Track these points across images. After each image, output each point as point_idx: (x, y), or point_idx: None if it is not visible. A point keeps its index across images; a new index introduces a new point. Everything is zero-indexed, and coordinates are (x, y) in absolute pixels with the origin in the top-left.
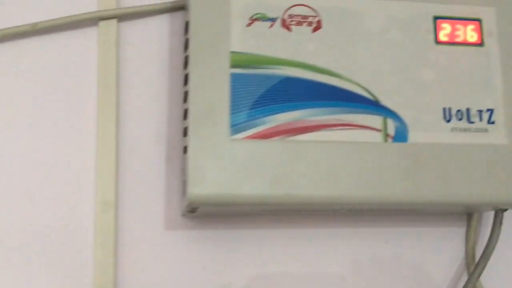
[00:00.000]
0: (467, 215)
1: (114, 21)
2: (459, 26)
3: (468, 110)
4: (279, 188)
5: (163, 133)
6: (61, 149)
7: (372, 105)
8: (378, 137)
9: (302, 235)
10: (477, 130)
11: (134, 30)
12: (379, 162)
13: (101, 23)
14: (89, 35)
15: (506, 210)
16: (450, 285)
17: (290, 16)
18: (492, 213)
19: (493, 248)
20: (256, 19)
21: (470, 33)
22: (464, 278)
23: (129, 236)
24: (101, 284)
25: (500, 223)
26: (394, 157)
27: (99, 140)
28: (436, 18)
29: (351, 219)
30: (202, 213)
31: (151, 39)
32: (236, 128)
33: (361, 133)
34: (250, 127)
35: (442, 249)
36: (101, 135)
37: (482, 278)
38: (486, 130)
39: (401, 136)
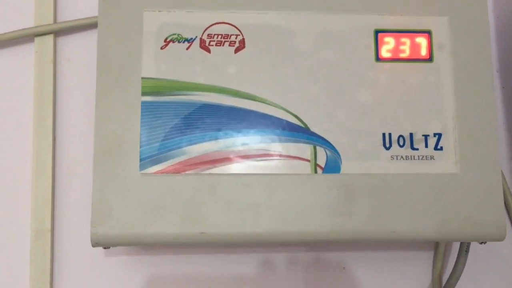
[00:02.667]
0: None
1: (50, 37)
2: (404, 39)
3: (411, 135)
4: (192, 227)
5: None
6: None
7: (300, 133)
8: (306, 168)
9: (252, 259)
10: (422, 158)
11: (73, 45)
12: (307, 196)
13: (37, 39)
14: (26, 52)
15: None
16: None
17: (210, 36)
18: None
19: (458, 277)
20: (171, 41)
21: (417, 47)
22: None
23: (66, 264)
24: None
25: (466, 251)
26: (324, 190)
27: (35, 164)
28: (377, 31)
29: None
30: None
31: (91, 54)
32: (146, 161)
33: (288, 164)
34: (161, 161)
35: (408, 275)
36: (36, 160)
37: None
38: (432, 158)
39: (332, 166)
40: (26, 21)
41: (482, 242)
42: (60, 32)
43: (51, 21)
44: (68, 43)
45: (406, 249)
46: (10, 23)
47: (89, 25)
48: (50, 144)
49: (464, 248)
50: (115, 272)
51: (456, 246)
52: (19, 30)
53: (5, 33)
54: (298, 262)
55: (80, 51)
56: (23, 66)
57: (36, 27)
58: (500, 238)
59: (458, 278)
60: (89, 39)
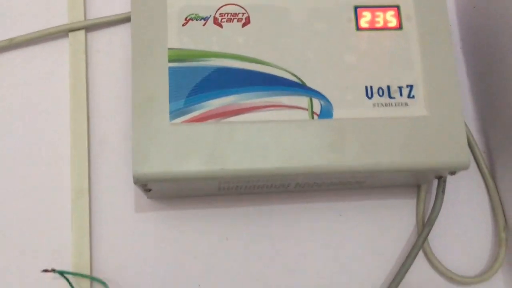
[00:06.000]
0: (417, 187)
1: (82, 32)
2: (378, 13)
3: (388, 87)
4: (214, 164)
5: (129, 130)
6: (40, 147)
7: (298, 88)
8: (305, 115)
9: (261, 212)
10: (398, 105)
11: (101, 38)
12: (307, 137)
13: (71, 34)
14: (61, 45)
15: (441, 177)
16: (404, 252)
17: (221, 14)
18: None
19: (437, 214)
20: (190, 19)
21: (389, 19)
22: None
23: (103, 219)
24: (79, 264)
25: (443, 191)
26: (321, 132)
27: (73, 137)
28: (356, 7)
29: (306, 195)
30: (159, 193)
31: (117, 46)
32: (174, 113)
33: (289, 112)
34: (187, 112)
35: (396, 219)
36: (74, 133)
37: (430, 241)
38: (406, 104)
39: (326, 113)
40: (60, 19)
41: (451, 173)
42: (90, 28)
43: (82, 18)
44: (97, 37)
45: (392, 197)
46: (45, 21)
47: (116, 21)
48: (84, 120)
49: (441, 190)
50: (145, 227)
51: (434, 192)
52: (55, 26)
53: (41, 30)
54: (300, 211)
55: (108, 43)
56: (60, 57)
57: (69, 24)
58: (465, 167)
59: (437, 215)
60: (115, 33)
